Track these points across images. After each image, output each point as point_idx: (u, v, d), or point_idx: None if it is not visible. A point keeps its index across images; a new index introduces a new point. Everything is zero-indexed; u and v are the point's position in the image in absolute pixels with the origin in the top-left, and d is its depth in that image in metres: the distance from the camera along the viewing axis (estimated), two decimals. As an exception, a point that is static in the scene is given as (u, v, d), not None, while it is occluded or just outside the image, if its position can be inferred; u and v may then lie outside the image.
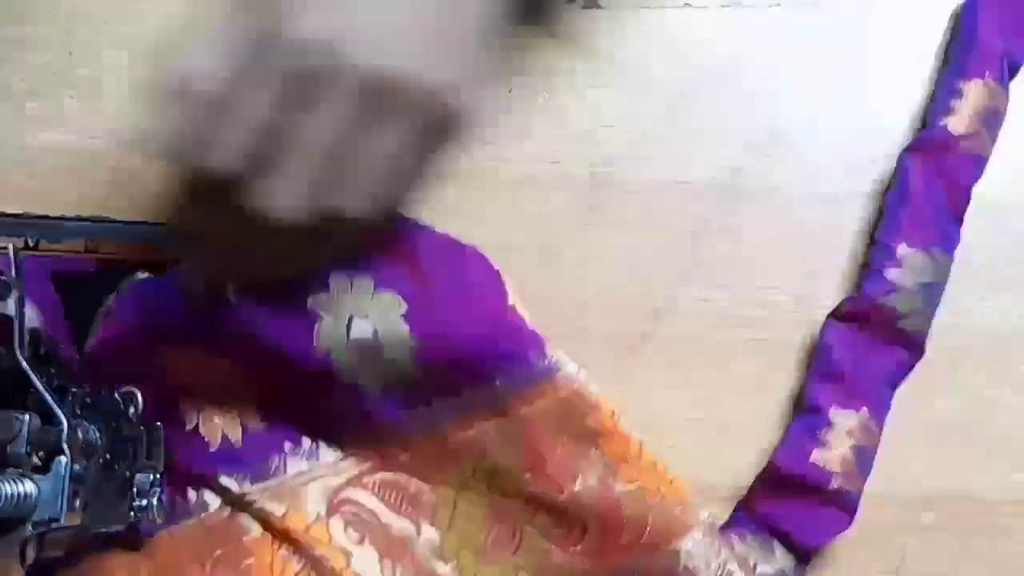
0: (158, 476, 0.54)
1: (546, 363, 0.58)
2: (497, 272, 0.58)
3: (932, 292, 0.60)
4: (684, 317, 0.63)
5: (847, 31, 0.64)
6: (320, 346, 0.57)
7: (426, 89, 0.46)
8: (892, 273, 0.60)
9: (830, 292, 0.63)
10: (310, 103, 0.45)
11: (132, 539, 0.57)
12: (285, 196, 0.46)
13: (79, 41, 0.64)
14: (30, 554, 0.46)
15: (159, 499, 0.53)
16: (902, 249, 0.60)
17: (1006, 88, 0.62)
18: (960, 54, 0.62)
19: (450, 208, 0.63)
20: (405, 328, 0.57)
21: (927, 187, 0.60)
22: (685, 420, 0.62)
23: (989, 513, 0.61)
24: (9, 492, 0.41)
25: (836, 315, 0.61)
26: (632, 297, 0.63)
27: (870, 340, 0.60)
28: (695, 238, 0.63)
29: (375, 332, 0.57)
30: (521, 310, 0.58)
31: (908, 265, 0.59)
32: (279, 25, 0.44)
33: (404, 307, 0.57)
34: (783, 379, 0.62)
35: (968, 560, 0.61)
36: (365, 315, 0.57)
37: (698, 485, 0.62)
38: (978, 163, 0.61)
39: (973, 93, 0.61)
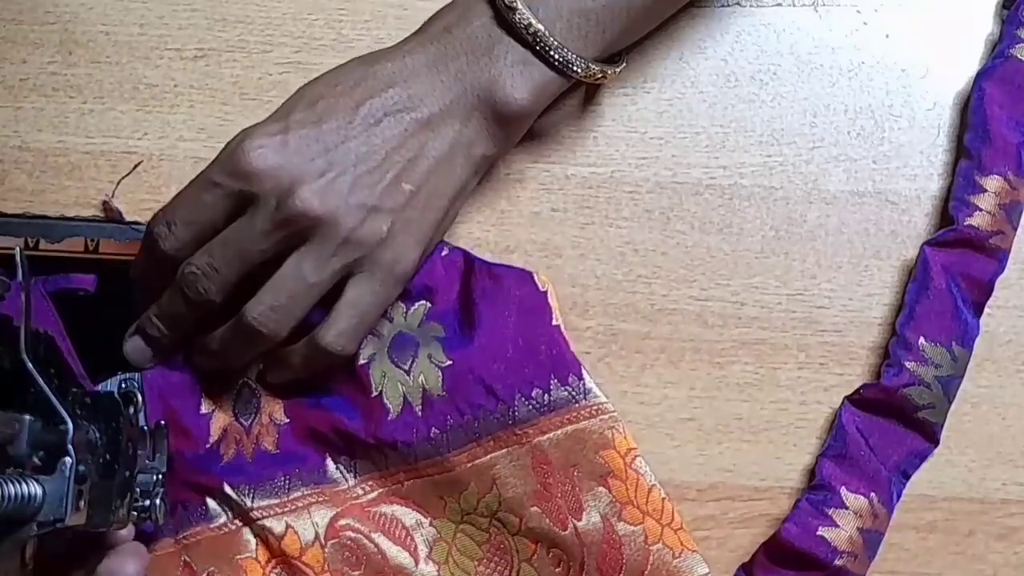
0: (161, 477, 0.53)
1: (569, 391, 0.58)
2: (543, 294, 0.60)
3: (950, 385, 0.60)
4: (684, 317, 0.63)
5: (847, 31, 0.64)
6: (363, 356, 0.58)
7: (345, 237, 0.55)
8: (911, 365, 0.60)
9: (829, 292, 0.63)
10: (246, 216, 0.55)
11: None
12: (200, 275, 0.56)
13: (79, 41, 0.64)
14: (29, 553, 0.46)
15: (162, 499, 0.53)
16: (922, 342, 0.60)
17: None
18: (977, 148, 0.61)
19: (450, 208, 0.63)
20: (441, 354, 0.58)
21: (949, 283, 0.60)
22: (684, 419, 0.62)
23: (989, 513, 0.61)
24: (14, 493, 0.41)
25: (853, 399, 0.61)
26: (632, 297, 0.63)
27: (886, 428, 0.60)
28: (695, 238, 0.63)
29: (415, 351, 0.58)
30: (565, 332, 0.59)
31: (927, 358, 0.60)
32: (239, 147, 0.55)
33: (444, 333, 0.58)
34: (782, 379, 0.62)
35: (968, 560, 0.61)
36: (413, 336, 0.59)
37: (697, 485, 0.62)
38: (1002, 259, 0.61)
39: (994, 189, 0.61)
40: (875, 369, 0.62)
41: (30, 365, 0.43)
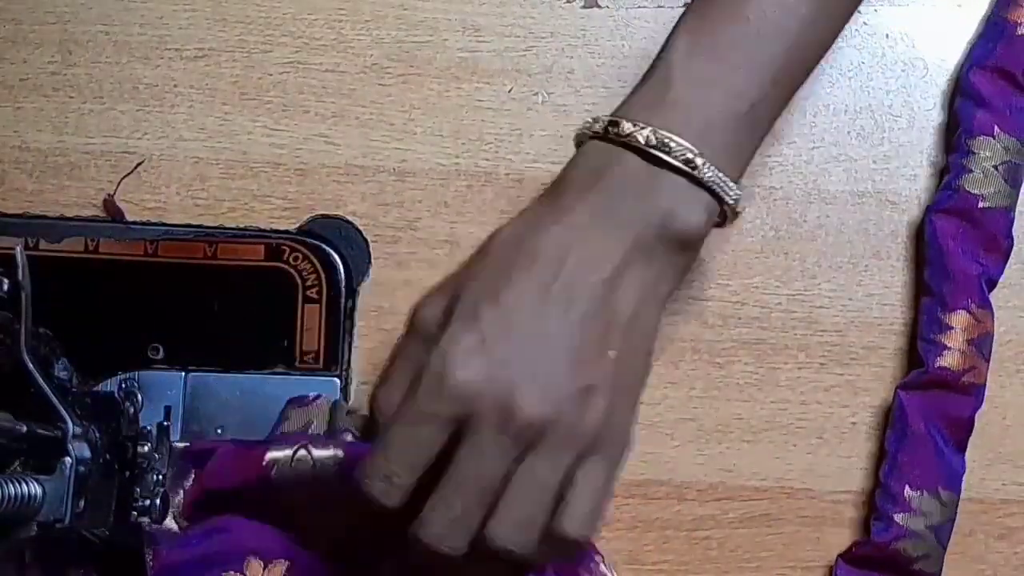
0: (161, 476, 0.53)
1: None
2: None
3: (942, 532, 0.59)
4: (684, 317, 0.63)
5: (847, 31, 0.64)
6: None
7: (572, 431, 0.51)
8: (900, 518, 0.59)
9: (829, 292, 0.63)
10: (469, 443, 0.50)
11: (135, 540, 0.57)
12: (444, 527, 0.50)
13: (79, 41, 0.64)
14: (29, 555, 0.46)
15: (161, 499, 0.53)
16: (908, 492, 0.59)
17: (990, 307, 0.61)
18: (938, 285, 0.60)
19: (451, 208, 0.63)
20: None
21: (928, 426, 0.59)
22: (684, 419, 0.62)
23: (989, 513, 0.61)
24: (14, 493, 0.41)
25: (847, 557, 0.61)
26: (632, 297, 0.63)
27: None
28: (695, 238, 0.63)
29: None
30: None
31: (916, 508, 0.59)
32: (444, 370, 0.50)
33: None
34: (782, 379, 0.62)
35: (968, 560, 0.61)
36: None
37: (697, 485, 0.62)
38: (978, 394, 0.60)
39: (960, 325, 0.60)
40: (875, 369, 0.62)
41: (30, 365, 0.43)
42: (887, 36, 0.64)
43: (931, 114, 0.64)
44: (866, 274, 0.63)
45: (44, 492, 0.42)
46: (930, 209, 0.62)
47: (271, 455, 0.56)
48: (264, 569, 0.56)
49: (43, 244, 0.61)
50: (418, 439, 0.51)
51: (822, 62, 0.63)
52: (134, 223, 0.62)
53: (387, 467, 0.51)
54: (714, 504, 0.62)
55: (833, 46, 0.63)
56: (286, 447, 0.56)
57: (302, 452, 0.56)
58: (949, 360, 0.60)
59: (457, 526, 0.50)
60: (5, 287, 0.45)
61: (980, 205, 0.60)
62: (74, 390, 0.50)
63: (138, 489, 0.53)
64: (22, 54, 0.64)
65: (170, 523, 0.57)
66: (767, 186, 0.63)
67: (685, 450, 0.62)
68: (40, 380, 0.44)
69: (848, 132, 0.64)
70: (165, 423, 0.56)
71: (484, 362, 0.50)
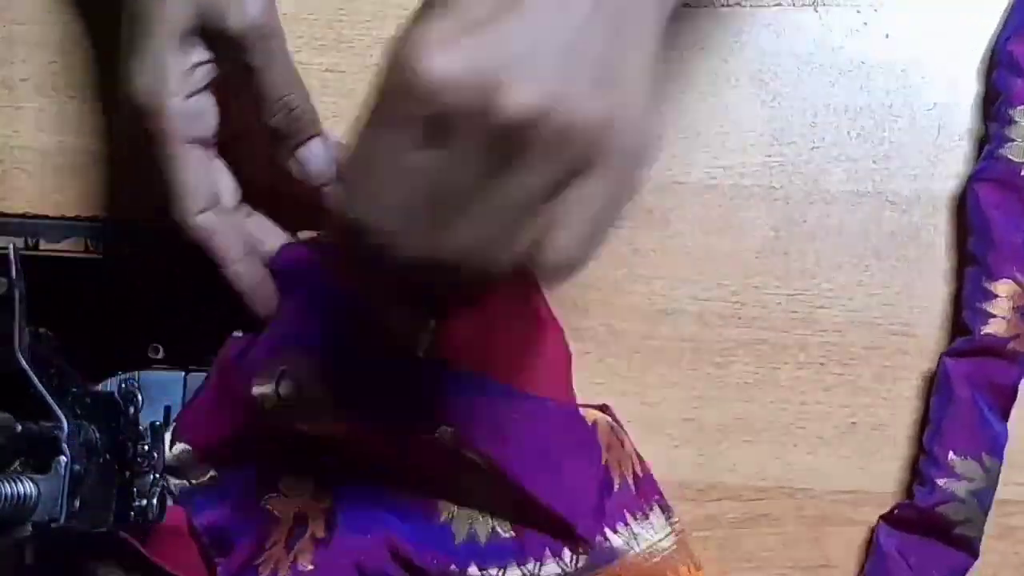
0: (158, 476, 0.53)
1: (624, 537, 0.58)
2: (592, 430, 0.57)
3: (984, 497, 0.60)
4: (684, 317, 0.63)
5: (847, 31, 0.64)
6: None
7: (568, 133, 0.40)
8: (943, 482, 0.59)
9: (829, 292, 0.63)
10: (444, 151, 0.40)
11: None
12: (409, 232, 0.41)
13: (79, 41, 0.64)
14: (29, 556, 0.46)
15: (159, 499, 0.53)
16: (951, 457, 0.59)
17: None
18: (982, 253, 0.61)
19: (450, 208, 0.63)
20: None
21: (973, 393, 0.60)
22: (684, 420, 0.62)
23: (989, 513, 0.61)
24: (9, 492, 0.41)
25: (889, 519, 0.61)
26: (632, 297, 0.63)
27: (926, 547, 0.60)
28: (695, 238, 0.63)
29: None
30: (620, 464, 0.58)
31: (958, 473, 0.59)
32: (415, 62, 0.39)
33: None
34: (782, 379, 0.62)
35: (968, 560, 0.61)
36: None
37: (697, 485, 0.62)
38: (1023, 362, 0.61)
39: (1006, 293, 0.60)
40: (875, 369, 0.62)
41: (24, 364, 0.43)
42: (887, 36, 0.64)
43: (931, 114, 0.64)
44: (866, 274, 0.63)
45: (39, 491, 0.42)
46: (972, 178, 0.62)
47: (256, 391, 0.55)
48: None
49: (43, 244, 0.61)
50: (389, 149, 0.41)
51: (822, 61, 0.64)
52: (134, 223, 0.62)
53: (364, 188, 0.42)
54: (714, 504, 0.62)
55: (834, 46, 0.64)
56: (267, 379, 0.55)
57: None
58: (995, 327, 0.60)
59: (421, 236, 0.41)
60: (4, 288, 0.45)
61: (1023, 174, 0.61)
62: (74, 390, 0.50)
63: (135, 489, 0.53)
64: (22, 54, 0.64)
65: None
66: (767, 186, 0.63)
67: (685, 450, 0.62)
68: (35, 379, 0.44)
69: (848, 132, 0.64)
70: (158, 423, 0.56)
71: (464, 49, 0.39)
